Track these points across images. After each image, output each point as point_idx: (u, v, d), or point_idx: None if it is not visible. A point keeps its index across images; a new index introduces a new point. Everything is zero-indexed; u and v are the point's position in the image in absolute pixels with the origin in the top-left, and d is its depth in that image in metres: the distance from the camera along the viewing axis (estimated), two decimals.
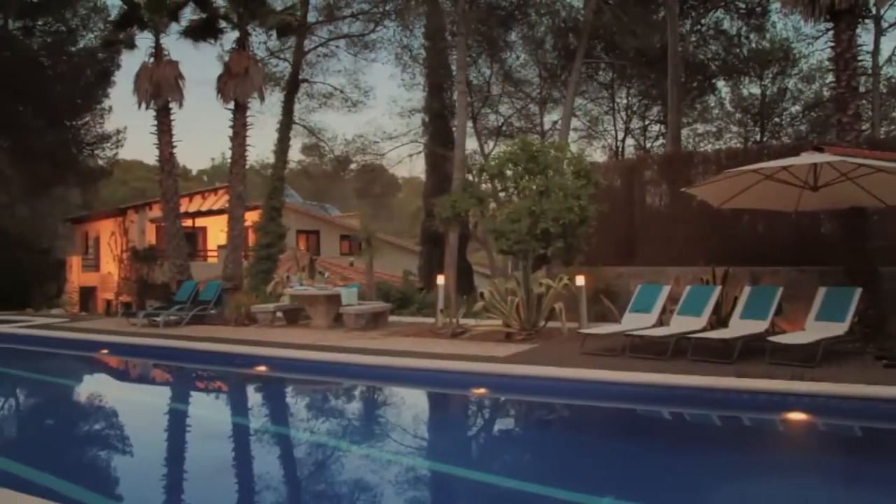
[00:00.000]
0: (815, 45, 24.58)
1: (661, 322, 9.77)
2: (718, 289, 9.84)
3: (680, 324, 9.40)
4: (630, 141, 29.06)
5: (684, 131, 25.49)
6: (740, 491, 5.01)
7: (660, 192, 14.34)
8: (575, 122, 26.70)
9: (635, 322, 9.69)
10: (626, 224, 14.05)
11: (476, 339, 10.81)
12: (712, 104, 28.23)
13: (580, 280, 11.20)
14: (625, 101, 28.47)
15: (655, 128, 28.83)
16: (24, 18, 23.54)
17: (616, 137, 28.85)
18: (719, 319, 9.74)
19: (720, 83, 26.95)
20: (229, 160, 17.98)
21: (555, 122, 26.85)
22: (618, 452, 6.21)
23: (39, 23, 24.56)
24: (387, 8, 23.25)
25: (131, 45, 17.56)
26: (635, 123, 28.98)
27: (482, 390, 8.32)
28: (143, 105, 16.64)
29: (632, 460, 5.87)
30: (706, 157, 14.37)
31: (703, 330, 9.13)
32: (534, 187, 11.46)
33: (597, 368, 7.94)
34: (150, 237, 28.22)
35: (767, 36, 25.05)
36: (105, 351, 12.33)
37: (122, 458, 6.41)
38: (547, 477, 5.43)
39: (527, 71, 26.34)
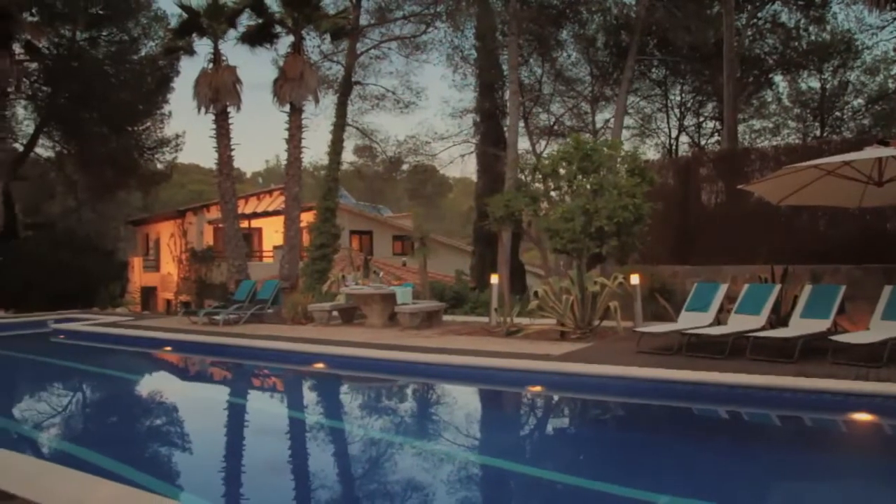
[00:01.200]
0: (879, 36, 23.84)
1: (717, 321, 9.65)
2: (778, 287, 9.66)
3: (738, 323, 9.27)
4: (684, 138, 28.64)
5: (740, 127, 25.01)
6: (802, 492, 4.96)
7: (716, 189, 14.15)
8: (627, 120, 26.46)
9: (691, 321, 9.59)
10: (682, 222, 13.90)
11: (530, 337, 10.84)
12: (769, 99, 27.62)
13: (635, 279, 11.15)
14: (678, 98, 28.06)
15: (710, 124, 28.34)
16: (90, 30, 24.38)
17: (669, 135, 28.46)
18: (779, 319, 9.58)
19: (777, 78, 26.36)
20: (284, 162, 18.36)
21: (607, 121, 26.62)
22: (676, 451, 6.18)
23: (104, 33, 25.38)
24: (438, 9, 23.37)
25: (191, 52, 18.08)
26: (689, 120, 28.54)
27: (539, 388, 8.36)
28: (203, 109, 17.12)
29: (692, 459, 5.85)
30: (763, 154, 14.11)
31: (762, 329, 8.98)
32: (587, 186, 11.44)
33: (654, 367, 7.90)
34: (208, 238, 28.95)
35: (828, 27, 24.39)
36: (168, 348, 12.75)
37: (186, 450, 6.65)
38: (606, 475, 5.44)
39: (578, 69, 26.19)
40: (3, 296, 19.41)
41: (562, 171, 11.74)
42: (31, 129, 26.95)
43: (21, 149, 26.04)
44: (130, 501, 4.18)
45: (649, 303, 11.53)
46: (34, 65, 22.63)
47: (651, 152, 28.94)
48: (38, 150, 28.28)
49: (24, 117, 26.84)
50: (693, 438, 6.63)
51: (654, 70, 26.55)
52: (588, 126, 27.04)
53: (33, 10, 20.47)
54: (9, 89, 19.74)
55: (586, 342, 10.26)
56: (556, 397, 8.56)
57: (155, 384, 11.16)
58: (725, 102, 19.23)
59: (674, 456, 6.00)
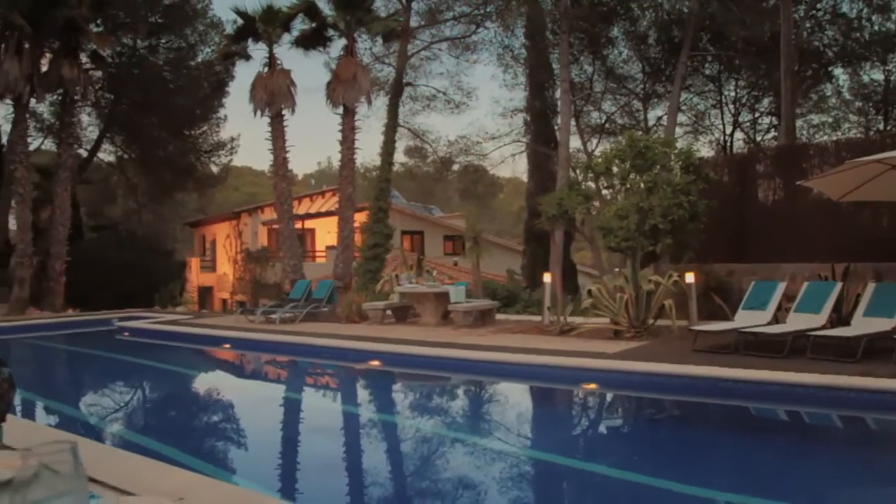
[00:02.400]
0: None
1: (776, 319, 9.50)
2: (839, 285, 9.45)
3: (797, 321, 9.10)
4: (739, 135, 28.03)
5: (798, 122, 24.37)
6: (866, 495, 4.87)
7: (773, 186, 13.87)
8: (680, 117, 26.05)
9: (749, 319, 9.45)
10: (738, 220, 13.67)
11: (584, 336, 10.83)
12: (829, 93, 26.84)
13: (690, 277, 11.03)
14: (733, 94, 27.50)
15: (766, 120, 27.69)
16: (150, 38, 25.17)
17: (724, 131, 27.90)
18: (840, 317, 9.37)
19: (838, 70, 25.60)
20: (337, 163, 18.67)
21: (659, 118, 26.29)
22: (736, 450, 6.13)
23: (163, 41, 26.17)
24: (487, 9, 23.44)
25: (247, 57, 18.52)
26: (744, 116, 27.94)
27: (593, 385, 8.36)
28: (259, 113, 17.52)
29: (752, 458, 5.79)
30: (823, 149, 13.77)
31: (823, 328, 8.81)
32: (641, 184, 11.35)
33: (711, 365, 7.82)
34: (262, 239, 29.52)
35: (893, 17, 23.59)
36: (227, 345, 13.11)
37: (246, 443, 6.85)
38: (666, 473, 5.43)
39: (629, 66, 25.91)
40: (71, 295, 20.17)
41: (615, 169, 11.68)
42: (94, 135, 27.96)
43: (85, 154, 27.01)
44: (201, 487, 4.36)
45: (705, 301, 11.39)
46: (98, 73, 23.44)
47: (705, 149, 28.43)
48: (101, 154, 29.33)
49: (88, 123, 27.87)
50: (752, 438, 6.56)
51: (707, 66, 26.09)
52: (640, 124, 26.73)
53: (98, 21, 21.20)
54: (76, 97, 20.47)
55: (641, 341, 10.21)
56: (611, 395, 8.55)
57: (215, 380, 11.50)
58: (783, 97, 18.79)
59: (734, 455, 5.96)
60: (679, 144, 13.45)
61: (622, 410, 8.47)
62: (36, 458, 0.94)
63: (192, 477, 4.51)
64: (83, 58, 20.75)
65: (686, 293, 11.04)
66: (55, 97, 22.36)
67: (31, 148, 21.56)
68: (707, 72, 26.50)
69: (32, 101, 20.21)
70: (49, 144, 27.42)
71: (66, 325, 16.89)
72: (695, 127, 28.90)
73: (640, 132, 24.70)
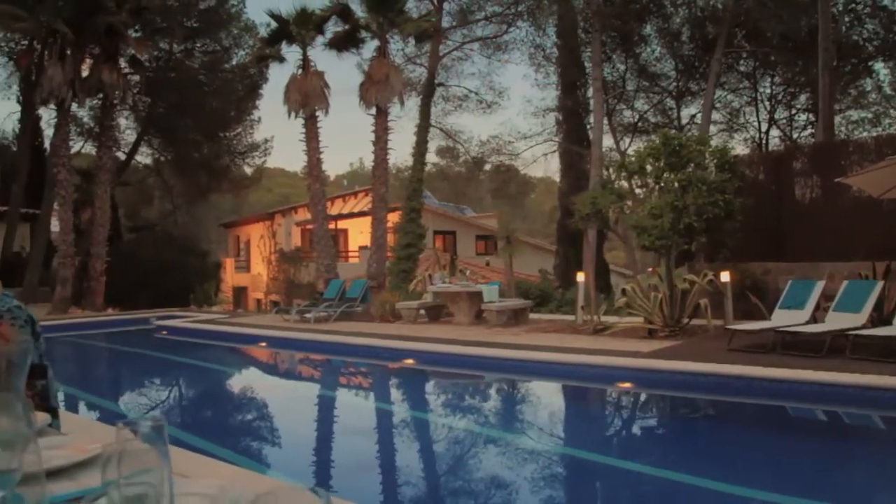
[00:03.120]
0: None
1: (814, 319, 9.38)
2: (880, 284, 9.30)
3: (837, 320, 8.97)
4: (774, 132, 27.62)
5: (836, 119, 23.94)
6: None
7: (810, 183, 13.68)
8: (714, 115, 25.76)
9: (786, 319, 9.35)
10: (774, 218, 13.51)
11: (618, 335, 10.80)
12: (868, 88, 26.30)
13: (725, 276, 10.94)
14: (768, 91, 27.12)
15: (803, 117, 27.26)
16: (186, 42, 25.59)
17: (759, 129, 27.52)
18: (881, 317, 9.23)
19: (878, 65, 25.09)
20: (369, 164, 18.85)
21: (693, 116, 26.02)
22: (774, 449, 6.09)
23: (198, 45, 26.58)
24: (519, 9, 23.43)
25: (281, 59, 18.74)
26: (780, 113, 27.54)
27: (628, 384, 8.35)
28: (293, 114, 17.73)
29: (790, 458, 5.75)
30: (862, 146, 13.53)
31: (864, 327, 8.68)
32: (675, 183, 11.29)
33: (748, 364, 7.77)
34: (296, 240, 29.83)
35: None
36: (263, 344, 13.31)
37: (283, 438, 6.96)
38: (708, 473, 5.42)
39: (662, 64, 25.69)
40: (110, 294, 20.59)
41: (649, 168, 11.63)
42: (132, 138, 28.51)
43: (124, 157, 27.55)
44: (242, 480, 4.47)
45: (740, 301, 11.28)
46: (136, 77, 23.89)
47: (739, 147, 28.07)
48: (138, 157, 29.89)
49: (125, 127, 28.42)
50: (791, 438, 6.51)
51: (742, 62, 25.76)
52: (673, 122, 26.50)
53: (137, 27, 21.62)
54: (115, 101, 20.91)
55: (675, 340, 10.16)
56: (646, 394, 8.53)
57: (251, 377, 11.69)
58: (820, 93, 18.48)
59: (772, 455, 5.91)
60: (713, 142, 13.33)
61: (657, 409, 8.44)
62: (127, 432, 1.01)
63: (233, 470, 4.62)
64: (122, 63, 21.18)
65: (721, 292, 10.95)
66: (95, 101, 22.84)
67: (72, 151, 22.04)
68: (742, 68, 26.16)
69: (74, 105, 20.68)
70: (88, 148, 28.08)
71: (107, 323, 17.28)
72: (729, 125, 28.55)
73: (673, 130, 24.50)
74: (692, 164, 11.31)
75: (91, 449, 1.71)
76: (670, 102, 26.64)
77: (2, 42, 24.08)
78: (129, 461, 0.98)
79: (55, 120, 20.53)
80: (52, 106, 20.15)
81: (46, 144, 23.57)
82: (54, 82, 18.36)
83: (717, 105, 26.23)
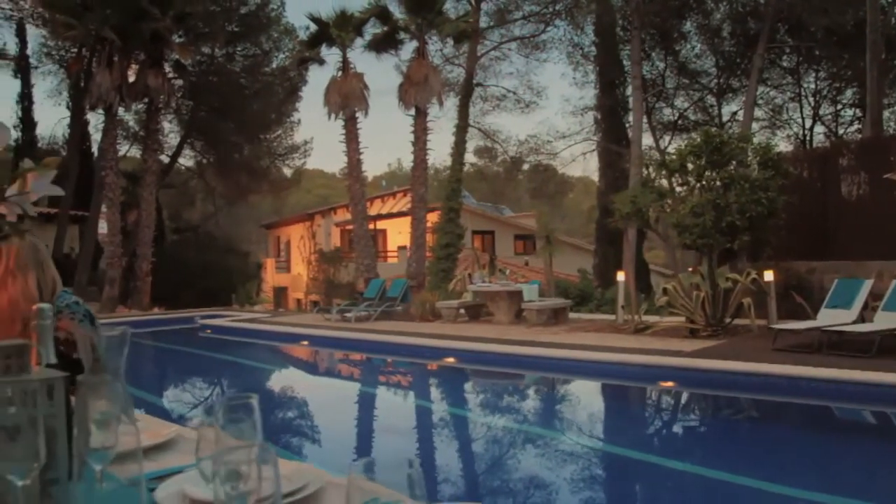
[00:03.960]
0: None
1: (862, 318, 9.21)
2: None
3: (886, 320, 8.80)
4: (819, 128, 27.10)
5: (885, 113, 23.38)
6: None
7: (857, 180, 13.41)
8: (756, 112, 25.35)
9: (832, 318, 9.20)
10: (819, 216, 13.28)
11: (659, 334, 10.74)
12: None
13: (769, 275, 10.80)
14: (813, 86, 26.60)
15: (849, 112, 26.68)
16: (227, 46, 26.04)
17: (803, 125, 27.03)
18: None
19: None
20: (407, 165, 19.01)
21: (734, 113, 25.67)
22: (821, 450, 6.02)
23: (239, 48, 27.02)
24: (557, 8, 23.38)
25: (321, 62, 18.98)
26: (825, 109, 27.00)
27: (671, 384, 8.31)
28: (333, 116, 17.94)
29: (837, 459, 5.69)
30: None
31: None
32: (717, 181, 11.17)
33: (794, 364, 7.67)
34: (335, 240, 30.12)
35: None
36: (305, 342, 13.51)
37: (326, 435, 7.08)
38: (751, 472, 5.39)
39: (703, 61, 25.40)
40: (155, 294, 21.07)
41: (690, 166, 11.53)
42: (175, 141, 29.09)
43: (167, 160, 28.13)
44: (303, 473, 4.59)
45: (784, 300, 11.12)
46: (180, 81, 24.39)
47: (783, 144, 27.57)
48: (181, 159, 30.47)
49: (169, 130, 29.01)
50: (838, 438, 6.43)
51: (785, 57, 25.33)
52: (714, 119, 26.16)
53: (180, 33, 22.08)
54: (160, 105, 21.38)
55: (718, 339, 10.07)
56: (690, 393, 8.47)
57: (294, 375, 11.88)
58: (868, 88, 18.09)
59: (818, 456, 5.85)
60: (756, 139, 13.14)
61: (702, 409, 8.38)
62: (222, 406, 1.08)
63: (286, 464, 4.73)
64: (167, 68, 21.65)
65: (765, 291, 10.81)
66: (141, 106, 23.38)
67: (119, 155, 22.58)
68: (785, 64, 25.72)
69: (120, 110, 21.21)
70: (133, 151, 28.72)
71: (153, 322, 17.67)
72: (772, 121, 28.08)
73: (714, 128, 24.18)
74: (734, 162, 11.20)
75: (166, 433, 1.82)
76: (711, 100, 26.33)
77: (52, 50, 24.80)
78: (223, 439, 1.05)
79: (103, 124, 21.08)
80: (100, 111, 20.70)
81: (94, 149, 24.18)
82: (102, 88, 18.85)
83: (760, 101, 25.81)
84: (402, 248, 27.08)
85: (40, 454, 1.19)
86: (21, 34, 23.37)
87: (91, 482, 1.19)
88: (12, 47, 22.85)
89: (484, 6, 22.58)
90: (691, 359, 8.43)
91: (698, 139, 11.43)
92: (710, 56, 25.02)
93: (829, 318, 9.29)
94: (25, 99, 23.67)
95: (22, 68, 23.51)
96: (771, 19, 20.46)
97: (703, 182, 11.39)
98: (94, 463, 1.16)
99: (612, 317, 12.88)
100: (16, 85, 23.46)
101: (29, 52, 23.89)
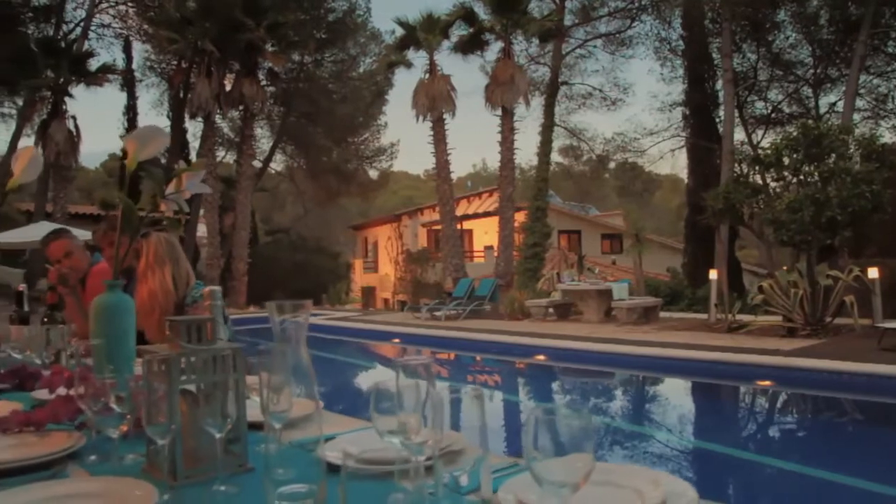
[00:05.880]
0: None
1: None
2: None
3: None
4: None
5: None
6: None
7: None
8: (857, 102, 24.22)
9: None
10: None
11: (754, 333, 10.49)
12: None
13: (873, 272, 10.39)
14: None
15: None
16: (316, 53, 26.87)
17: None
18: None
19: None
20: (492, 165, 19.22)
21: (832, 104, 24.57)
22: None
23: (327, 55, 27.83)
24: (643, 2, 23.03)
25: (408, 65, 19.37)
26: None
27: (768, 382, 8.13)
28: (421, 118, 18.27)
29: None
30: None
31: None
32: (816, 175, 10.84)
33: None
34: (422, 240, 30.53)
35: None
36: (397, 340, 13.82)
37: None
38: (860, 473, 5.27)
39: (798, 51, 24.40)
40: (251, 294, 21.95)
41: (786, 160, 11.23)
42: (267, 146, 30.19)
43: (259, 164, 29.23)
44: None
45: (890, 298, 10.67)
46: (272, 89, 25.31)
47: (888, 135, 26.24)
48: (272, 164, 31.60)
49: (260, 136, 30.14)
50: None
51: (890, 43, 24.07)
52: (810, 111, 25.14)
53: (273, 42, 22.94)
54: (254, 112, 22.28)
55: (818, 339, 9.76)
56: (789, 393, 8.27)
57: (388, 371, 12.18)
58: None
59: None
60: (858, 131, 12.64)
61: (801, 409, 8.17)
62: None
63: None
64: (260, 76, 22.55)
65: (869, 289, 10.40)
66: (236, 113, 24.42)
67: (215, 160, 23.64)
68: (890, 50, 24.45)
69: (217, 117, 22.22)
70: (228, 157, 29.95)
71: (251, 320, 18.35)
72: (875, 111, 26.72)
73: (811, 120, 23.29)
74: (834, 155, 10.83)
75: (308, 405, 2.01)
76: (807, 91, 25.30)
77: (155, 64, 26.24)
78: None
79: (201, 132, 22.16)
80: (198, 119, 21.75)
81: (192, 156, 25.38)
82: (202, 97, 19.82)
83: (861, 91, 24.65)
84: (487, 247, 27.24)
85: (231, 412, 1.39)
86: (127, 50, 24.86)
87: (271, 440, 1.37)
88: (120, 63, 24.30)
89: (568, 4, 22.47)
90: (791, 358, 8.23)
91: (794, 132, 11.14)
92: (805, 45, 24.04)
93: None
94: (131, 110, 25.07)
95: (128, 82, 24.93)
96: (875, 3, 19.53)
97: (801, 177, 11.08)
98: (273, 422, 1.35)
99: (704, 316, 12.64)
100: (122, 98, 24.93)
101: (134, 66, 25.37)
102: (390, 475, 1.08)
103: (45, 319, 2.73)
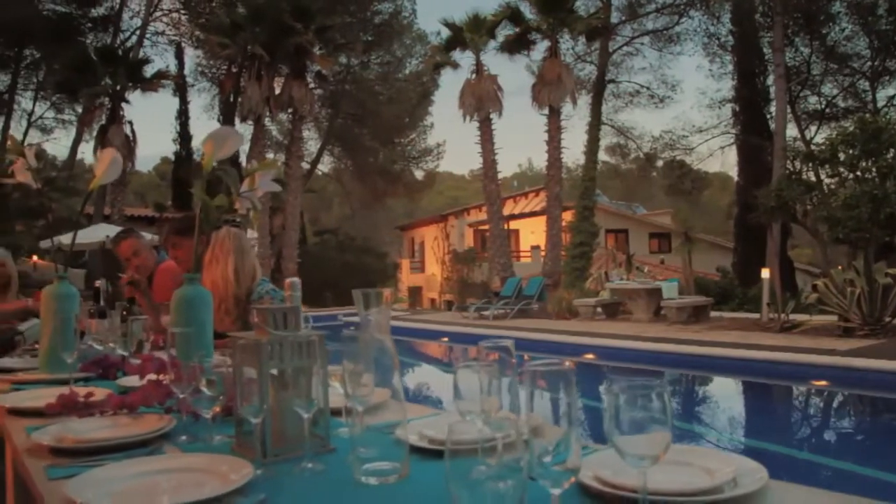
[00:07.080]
0: None
1: None
2: None
3: None
4: None
5: None
6: None
7: None
8: None
9: None
10: None
11: (808, 333, 10.31)
12: None
13: None
14: None
15: None
16: (363, 55, 27.18)
17: None
18: None
19: None
20: (538, 164, 19.20)
21: (890, 98, 23.88)
22: None
23: (373, 57, 28.11)
24: None
25: (455, 65, 19.47)
26: None
27: (823, 382, 7.99)
28: (468, 118, 18.35)
29: None
30: None
31: None
32: (874, 170, 10.59)
33: None
34: (469, 240, 30.60)
35: None
36: (445, 339, 13.92)
37: None
38: None
39: (854, 43, 23.77)
40: (302, 293, 22.29)
41: (841, 156, 10.99)
42: (314, 148, 30.63)
43: (307, 166, 29.65)
44: None
45: None
46: (319, 91, 25.67)
47: None
48: (320, 165, 32.02)
49: (308, 137, 30.57)
50: None
51: None
52: (867, 105, 24.45)
53: (320, 45, 23.28)
54: (303, 114, 22.63)
55: (876, 339, 9.54)
56: (845, 394, 8.11)
57: (438, 370, 12.29)
58: None
59: None
60: None
61: (858, 410, 8.01)
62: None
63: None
64: (308, 79, 22.89)
65: None
66: (287, 115, 24.83)
67: None
68: None
69: (267, 120, 22.64)
70: (277, 158, 30.45)
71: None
72: None
73: (868, 115, 22.67)
74: (893, 150, 10.57)
75: (383, 393, 2.10)
76: (863, 84, 24.63)
77: (206, 69, 26.88)
78: None
79: (251, 135, 22.57)
80: (249, 122, 22.19)
81: (242, 159, 25.89)
82: (252, 101, 20.22)
83: None
84: (534, 247, 27.18)
85: (316, 394, 1.48)
86: (179, 56, 25.49)
87: (352, 425, 1.45)
88: (172, 68, 24.94)
89: (615, 1, 22.30)
90: (847, 358, 8.07)
91: (851, 127, 10.91)
92: (862, 37, 23.40)
93: None
94: (183, 115, 25.68)
95: (180, 87, 25.55)
96: None
97: (857, 173, 10.83)
98: (356, 405, 1.43)
99: (756, 315, 12.44)
100: (175, 102, 25.56)
101: (186, 71, 26.02)
102: (476, 452, 1.15)
103: (124, 312, 2.88)
